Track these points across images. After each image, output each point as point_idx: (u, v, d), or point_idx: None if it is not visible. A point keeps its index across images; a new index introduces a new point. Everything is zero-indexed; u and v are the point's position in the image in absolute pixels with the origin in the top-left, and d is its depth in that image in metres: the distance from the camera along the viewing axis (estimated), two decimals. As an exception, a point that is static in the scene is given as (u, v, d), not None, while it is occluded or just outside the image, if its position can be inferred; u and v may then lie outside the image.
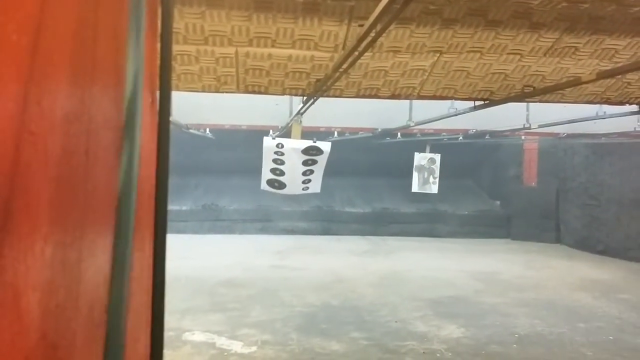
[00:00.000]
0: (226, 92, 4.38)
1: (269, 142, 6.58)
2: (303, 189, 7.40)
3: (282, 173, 6.99)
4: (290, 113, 6.94)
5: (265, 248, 11.61)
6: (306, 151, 6.68)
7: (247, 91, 4.37)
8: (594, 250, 12.04)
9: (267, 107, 7.49)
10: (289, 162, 6.73)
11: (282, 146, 6.42)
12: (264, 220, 13.79)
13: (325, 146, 6.70)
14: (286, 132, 8.56)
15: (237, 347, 5.53)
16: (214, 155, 13.76)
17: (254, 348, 5.50)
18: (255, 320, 6.43)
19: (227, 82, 4.24)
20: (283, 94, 4.50)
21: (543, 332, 6.34)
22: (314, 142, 6.68)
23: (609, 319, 6.91)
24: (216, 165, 14.26)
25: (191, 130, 9.28)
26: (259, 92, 4.39)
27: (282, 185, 7.28)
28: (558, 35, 3.65)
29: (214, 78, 4.07)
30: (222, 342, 5.64)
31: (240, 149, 13.59)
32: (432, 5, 3.30)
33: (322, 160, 6.85)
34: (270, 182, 7.18)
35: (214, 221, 13.54)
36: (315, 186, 7.35)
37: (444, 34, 3.57)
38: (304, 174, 7.02)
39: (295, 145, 6.60)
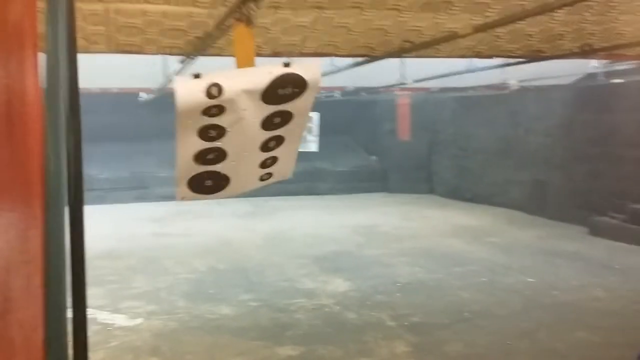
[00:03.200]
0: (96, 53, 4.06)
1: (189, 89, 2.91)
2: (263, 178, 3.52)
3: (220, 156, 3.19)
4: (165, 74, 6.60)
5: (142, 216, 11.20)
6: (272, 92, 3.03)
7: (119, 51, 4.08)
8: (463, 198, 12.75)
9: (139, 68, 6.96)
10: (238, 126, 3.09)
11: (220, 91, 2.88)
12: (139, 187, 13.27)
13: (310, 72, 3.07)
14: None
15: (120, 320, 5.31)
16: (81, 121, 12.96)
17: (139, 320, 5.30)
18: (138, 292, 6.20)
19: (97, 41, 3.92)
20: (159, 53, 4.24)
21: (423, 278, 6.64)
22: (287, 65, 3.01)
23: (481, 262, 7.36)
24: (83, 132, 13.45)
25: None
26: (133, 52, 4.11)
27: (221, 183, 3.33)
28: (434, -10, 3.70)
29: (82, 37, 3.74)
30: (104, 316, 5.39)
31: (110, 113, 12.87)
32: (312, -42, 3.22)
33: (302, 105, 3.16)
34: (195, 183, 3.25)
35: (84, 191, 12.83)
36: (285, 166, 3.50)
37: (323, -11, 3.50)
38: (267, 146, 3.28)
39: (247, 83, 2.97)
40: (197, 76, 2.72)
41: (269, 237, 9.13)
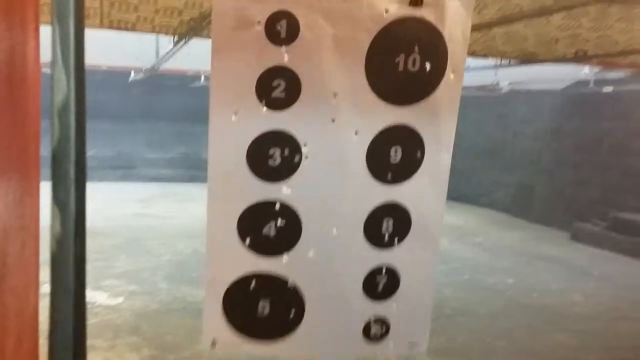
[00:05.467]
0: (88, 28, 4.02)
1: (235, 13, 1.40)
2: (371, 329, 1.68)
3: (288, 231, 1.54)
4: (157, 54, 6.54)
5: (128, 196, 11.15)
6: (384, 59, 1.47)
7: (112, 27, 4.04)
8: (449, 197, 12.69)
9: (130, 46, 6.86)
10: (323, 142, 1.50)
11: (294, 29, 1.41)
12: (125, 167, 13.19)
13: (454, 22, 1.46)
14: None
15: (101, 298, 5.29)
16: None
17: (120, 299, 5.29)
18: (121, 271, 6.19)
19: (90, 15, 3.89)
20: (152, 31, 4.21)
21: (405, 274, 6.67)
22: (416, 3, 1.45)
23: (464, 260, 7.42)
24: (72, 108, 13.34)
25: (44, 70, 8.54)
26: (126, 29, 4.07)
27: (287, 312, 1.59)
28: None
29: (76, 11, 3.70)
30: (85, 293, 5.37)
31: (98, 90, 12.77)
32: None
33: (439, 111, 1.55)
34: (238, 305, 1.58)
35: (70, 168, 12.74)
36: (415, 306, 1.72)
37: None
38: (377, 223, 1.60)
39: (343, 23, 1.44)
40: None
41: (254, 225, 9.11)
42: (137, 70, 9.99)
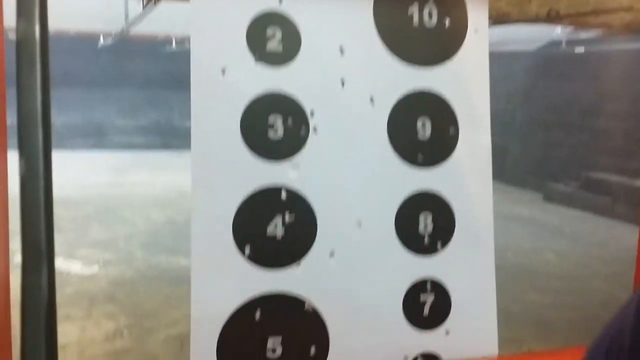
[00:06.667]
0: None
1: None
2: None
3: (296, 224, 1.17)
4: (126, 17, 6.36)
5: (100, 165, 10.99)
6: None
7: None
8: (423, 160, 12.86)
9: (98, 9, 6.67)
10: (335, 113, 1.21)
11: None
12: (97, 135, 12.98)
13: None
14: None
15: (76, 267, 5.24)
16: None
17: (95, 268, 5.25)
18: (95, 240, 6.12)
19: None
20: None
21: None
22: None
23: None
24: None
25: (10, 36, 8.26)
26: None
27: (306, 347, 1.21)
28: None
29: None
30: (59, 263, 5.31)
31: (66, 57, 12.47)
32: None
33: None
34: (236, 343, 1.16)
35: (40, 137, 12.48)
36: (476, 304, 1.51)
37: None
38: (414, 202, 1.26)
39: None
40: None
41: (229, 191, 9.06)
42: (106, 35, 9.77)
